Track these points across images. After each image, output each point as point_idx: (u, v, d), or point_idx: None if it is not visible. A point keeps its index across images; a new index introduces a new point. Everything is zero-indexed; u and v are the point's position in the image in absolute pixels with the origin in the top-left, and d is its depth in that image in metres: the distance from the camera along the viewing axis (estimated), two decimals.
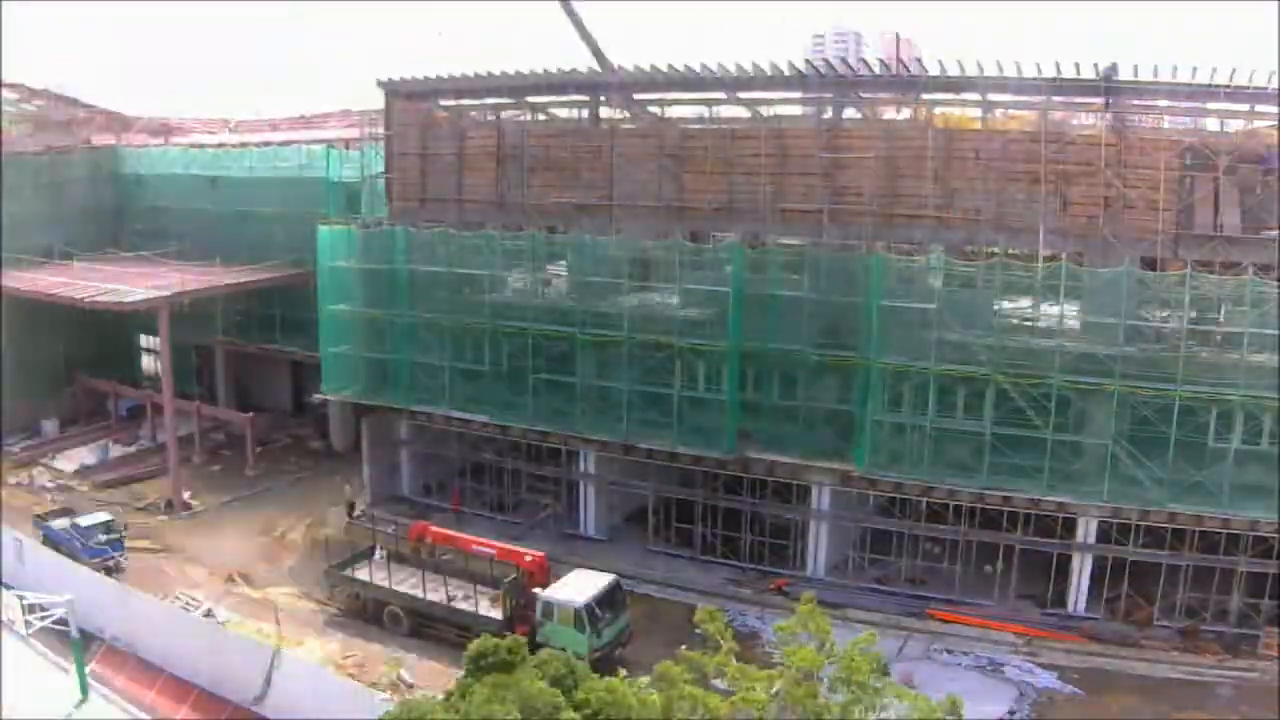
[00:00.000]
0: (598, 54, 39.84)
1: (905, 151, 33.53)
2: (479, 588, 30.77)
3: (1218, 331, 30.69)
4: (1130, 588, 31.65)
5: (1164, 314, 30.50)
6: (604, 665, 27.09)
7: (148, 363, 57.13)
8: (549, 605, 28.84)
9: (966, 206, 32.62)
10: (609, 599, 29.13)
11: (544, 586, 29.78)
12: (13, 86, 56.55)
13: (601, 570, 31.41)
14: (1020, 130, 33.21)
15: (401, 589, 31.46)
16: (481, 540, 32.24)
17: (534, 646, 25.17)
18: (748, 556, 35.80)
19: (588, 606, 28.30)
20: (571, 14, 41.12)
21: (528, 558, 30.67)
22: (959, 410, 31.81)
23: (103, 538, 35.71)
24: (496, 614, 29.57)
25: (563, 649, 25.33)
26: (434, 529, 33.26)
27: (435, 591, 30.98)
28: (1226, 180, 29.99)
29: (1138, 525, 30.83)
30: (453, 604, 30.50)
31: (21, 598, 29.36)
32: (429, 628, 31.01)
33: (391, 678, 29.10)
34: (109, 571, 34.57)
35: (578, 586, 29.28)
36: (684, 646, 27.48)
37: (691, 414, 34.88)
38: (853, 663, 20.47)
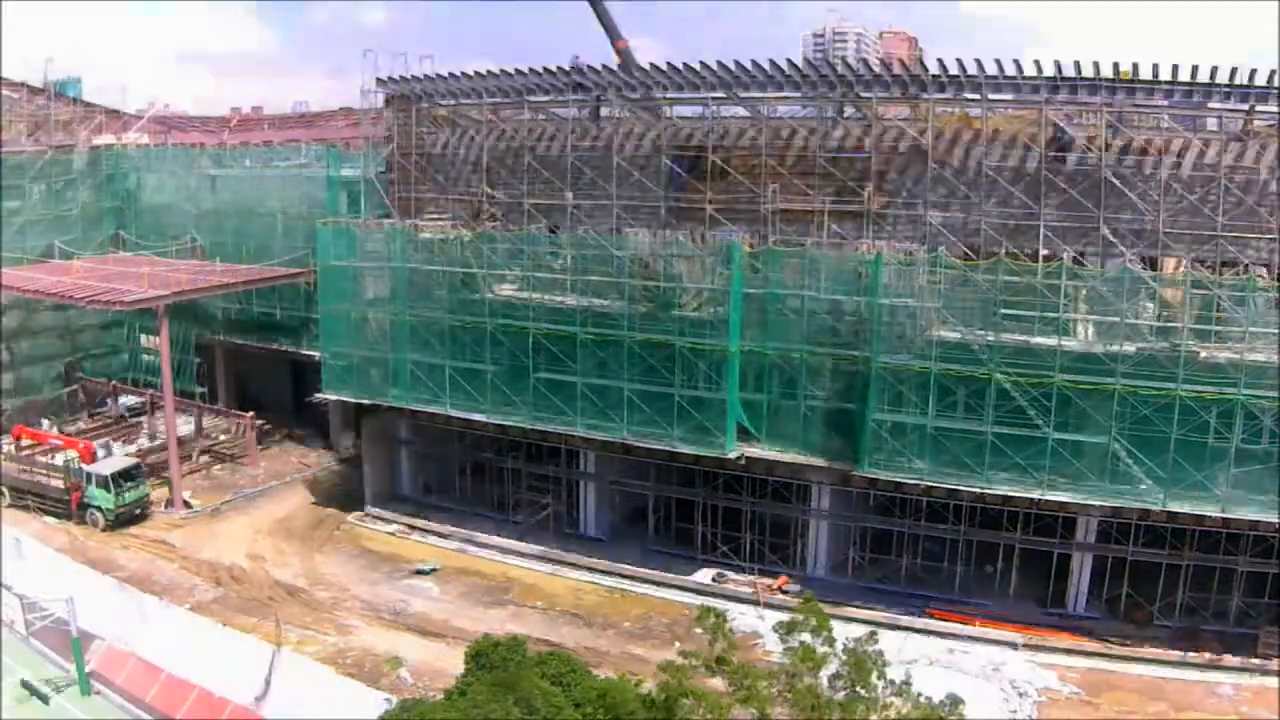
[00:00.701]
0: (610, 28, 40.12)
1: (905, 151, 33.54)
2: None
3: (1218, 330, 30.65)
4: (1130, 588, 31.67)
5: (1164, 313, 30.49)
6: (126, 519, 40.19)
7: (148, 362, 57.06)
8: (89, 475, 40.46)
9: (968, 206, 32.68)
10: (129, 474, 40.89)
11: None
12: (13, 86, 56.49)
13: (595, 564, 35.17)
14: (1020, 131, 33.18)
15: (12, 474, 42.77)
16: (61, 437, 44.98)
17: (83, 506, 40.27)
18: (748, 556, 35.82)
19: (112, 475, 40.11)
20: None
21: (81, 446, 42.22)
22: (959, 410, 31.77)
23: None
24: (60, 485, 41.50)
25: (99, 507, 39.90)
26: (26, 430, 45.10)
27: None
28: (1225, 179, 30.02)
29: (1138, 525, 30.84)
30: (38, 480, 42.21)
31: (21, 598, 29.37)
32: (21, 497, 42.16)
33: (391, 678, 29.16)
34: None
35: (109, 464, 41.52)
36: (684, 646, 27.69)
37: (691, 413, 34.88)
38: (855, 661, 20.50)
